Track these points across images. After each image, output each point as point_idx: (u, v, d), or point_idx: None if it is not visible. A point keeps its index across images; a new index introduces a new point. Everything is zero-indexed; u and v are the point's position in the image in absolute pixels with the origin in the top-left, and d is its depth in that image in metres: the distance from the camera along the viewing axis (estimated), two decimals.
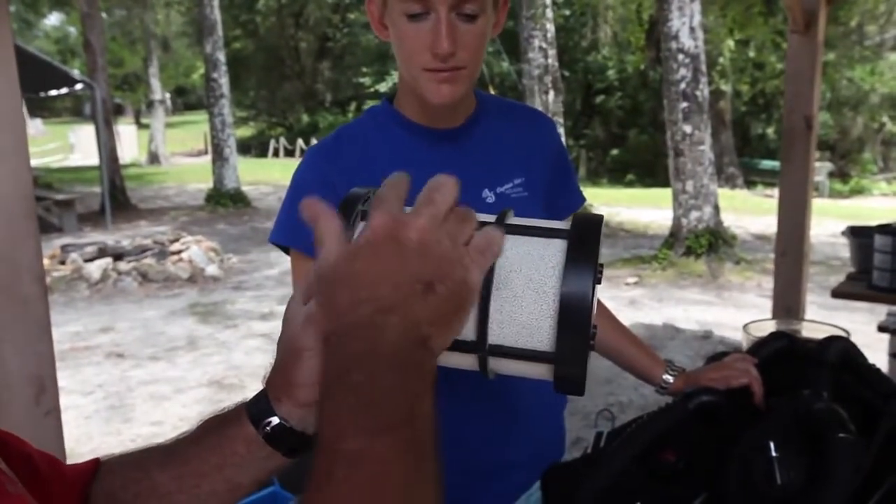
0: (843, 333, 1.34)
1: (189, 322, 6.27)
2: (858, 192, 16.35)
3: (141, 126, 28.74)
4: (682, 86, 8.04)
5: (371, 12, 1.06)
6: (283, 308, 0.61)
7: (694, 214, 8.18)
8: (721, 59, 15.70)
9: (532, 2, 9.96)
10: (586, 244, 0.52)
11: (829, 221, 9.52)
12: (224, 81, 13.50)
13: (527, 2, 10.01)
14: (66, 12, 25.68)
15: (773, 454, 0.93)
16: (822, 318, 2.83)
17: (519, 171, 1.15)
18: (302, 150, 20.87)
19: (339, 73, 25.41)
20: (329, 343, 0.48)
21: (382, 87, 19.59)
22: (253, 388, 0.61)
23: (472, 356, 0.53)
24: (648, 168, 17.75)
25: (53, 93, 13.19)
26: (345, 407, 0.43)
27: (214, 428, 0.60)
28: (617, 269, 7.82)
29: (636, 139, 19.21)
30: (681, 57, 8.02)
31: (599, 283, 0.53)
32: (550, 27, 10.37)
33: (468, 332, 0.52)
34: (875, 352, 1.71)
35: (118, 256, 7.82)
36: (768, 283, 5.92)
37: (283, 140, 23.65)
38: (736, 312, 6.07)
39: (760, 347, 1.23)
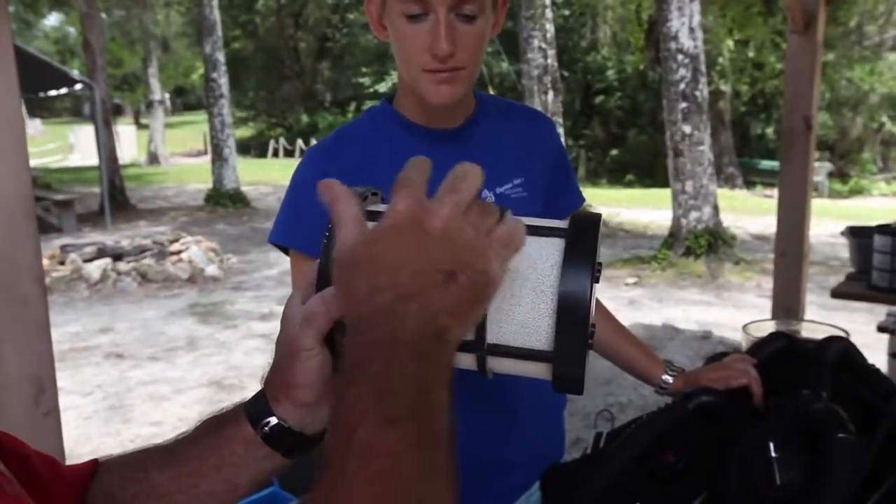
0: (842, 334, 1.34)
1: (188, 322, 6.27)
2: (858, 192, 16.36)
3: (140, 126, 28.74)
4: (682, 86, 8.04)
5: (370, 13, 1.06)
6: (282, 308, 0.61)
7: (693, 215, 8.18)
8: (720, 60, 15.72)
9: (531, 2, 9.97)
10: (584, 242, 0.51)
11: (828, 222, 9.52)
12: (223, 82, 13.50)
13: (526, 2, 10.01)
14: (66, 12, 25.67)
15: (773, 454, 0.93)
16: (822, 318, 2.83)
17: (518, 172, 1.15)
18: (301, 151, 20.87)
19: (339, 74, 25.42)
20: (350, 329, 0.47)
21: (382, 88, 19.60)
22: (252, 388, 0.61)
23: (470, 355, 0.53)
24: (648, 168, 17.75)
25: (53, 93, 13.19)
26: (363, 395, 0.43)
27: (213, 428, 0.60)
28: (616, 270, 7.82)
29: (635, 139, 19.21)
30: (680, 57, 8.03)
31: (598, 281, 0.53)
32: (550, 27, 10.37)
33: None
34: (874, 352, 1.71)
35: (117, 257, 7.82)
36: (768, 283, 5.92)
37: (282, 140, 23.65)
38: (735, 313, 6.07)
39: (760, 348, 1.23)
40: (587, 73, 19.70)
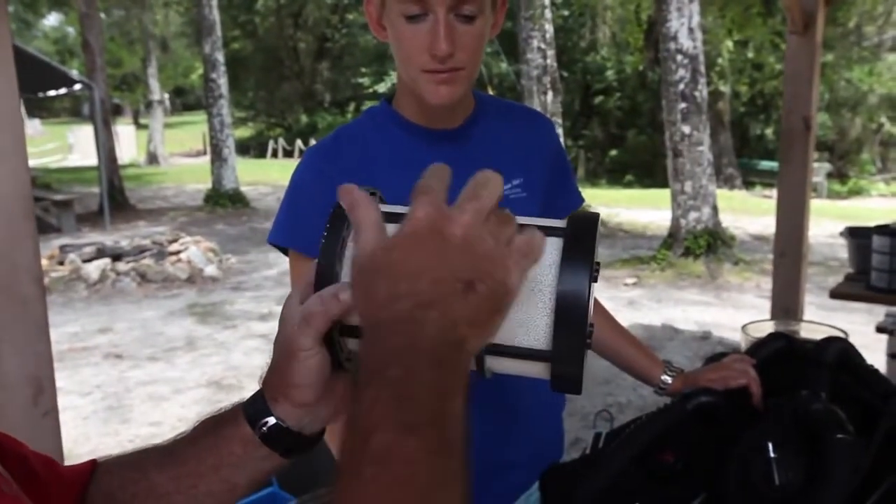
0: (841, 334, 1.34)
1: (187, 322, 6.27)
2: (857, 192, 16.38)
3: (139, 126, 28.73)
4: (681, 86, 8.05)
5: (369, 13, 1.06)
6: (280, 309, 0.61)
7: (692, 215, 8.18)
8: (720, 60, 15.73)
9: (531, 2, 9.97)
10: (582, 242, 0.51)
11: (827, 222, 9.53)
12: (223, 82, 13.50)
13: (525, 2, 10.02)
14: (65, 13, 25.68)
15: (772, 455, 0.93)
16: (821, 318, 2.84)
17: (518, 172, 1.15)
18: (301, 151, 20.86)
19: (338, 74, 25.42)
20: (368, 335, 0.47)
21: (381, 88, 19.61)
22: (251, 388, 0.61)
23: None
24: (647, 169, 17.76)
25: (52, 93, 13.17)
26: (380, 401, 0.42)
27: (211, 428, 0.60)
28: (616, 270, 7.82)
29: (635, 140, 19.22)
30: (679, 58, 8.03)
31: (596, 281, 0.53)
32: (549, 28, 10.38)
33: None
34: (873, 352, 1.71)
35: (116, 257, 7.82)
36: (767, 283, 5.93)
37: (281, 140, 23.64)
38: (734, 313, 6.08)
39: (759, 348, 1.23)
40: (586, 74, 19.71)
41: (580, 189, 1.31)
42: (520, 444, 1.16)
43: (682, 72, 8.04)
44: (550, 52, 10.34)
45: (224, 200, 13.32)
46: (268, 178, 16.84)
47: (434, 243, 0.46)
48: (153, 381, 4.86)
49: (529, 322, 0.52)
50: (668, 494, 1.01)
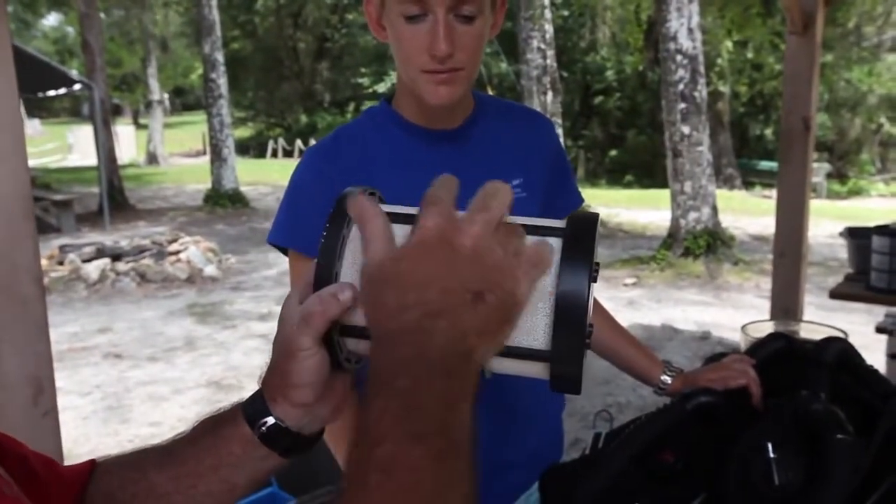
0: (841, 334, 1.34)
1: (187, 322, 6.27)
2: (856, 193, 16.38)
3: (139, 126, 28.73)
4: (681, 87, 8.05)
5: (369, 13, 1.06)
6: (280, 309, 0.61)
7: (692, 215, 8.18)
8: (719, 60, 15.73)
9: (530, 2, 9.97)
10: (582, 242, 0.51)
11: (827, 222, 9.53)
12: (222, 82, 13.50)
13: (525, 2, 10.02)
14: (65, 12, 25.68)
15: (772, 455, 0.93)
16: (820, 318, 2.84)
17: (517, 172, 1.15)
18: (300, 151, 20.86)
19: (338, 74, 25.42)
20: (377, 345, 0.47)
21: (381, 88, 19.61)
22: (251, 388, 0.61)
23: None
24: (647, 169, 17.76)
25: (52, 93, 13.17)
26: (389, 411, 0.43)
27: (210, 428, 0.60)
28: (615, 270, 7.82)
29: (634, 140, 19.23)
30: (679, 58, 8.03)
31: (595, 281, 0.53)
32: (549, 28, 10.38)
33: None
34: (873, 353, 1.71)
35: (116, 257, 7.82)
36: (766, 283, 5.93)
37: (281, 140, 23.64)
38: (734, 313, 6.08)
39: (758, 348, 1.23)
40: (586, 74, 19.71)
41: (580, 189, 1.31)
42: (519, 445, 1.16)
43: (681, 72, 8.05)
44: (550, 53, 10.35)
45: (224, 200, 13.32)
46: (267, 178, 16.84)
47: (443, 253, 0.46)
48: (153, 381, 4.86)
49: (529, 322, 0.52)
50: (667, 494, 1.01)
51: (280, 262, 7.70)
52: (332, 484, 2.22)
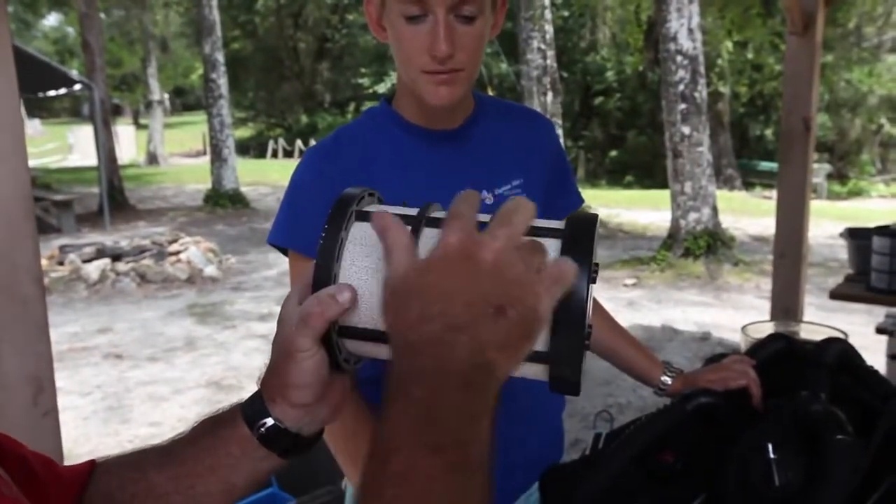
0: (841, 335, 1.34)
1: (187, 323, 6.27)
2: (857, 193, 16.38)
3: (139, 126, 28.73)
4: (681, 87, 8.05)
5: (369, 14, 1.06)
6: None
7: (692, 216, 8.18)
8: (719, 61, 15.73)
9: (531, 3, 9.97)
10: (580, 243, 0.51)
11: (827, 223, 9.53)
12: (223, 82, 13.50)
13: (525, 3, 10.02)
14: (65, 13, 25.68)
15: (772, 455, 0.93)
16: (821, 319, 2.84)
17: (517, 173, 1.15)
18: (301, 151, 20.86)
19: (338, 74, 25.42)
20: (397, 354, 0.48)
21: (381, 88, 19.61)
22: (251, 388, 0.61)
23: None
24: (647, 169, 17.76)
25: (52, 93, 13.17)
26: (405, 420, 0.43)
27: (209, 429, 0.60)
28: (615, 271, 7.82)
29: (635, 140, 19.23)
30: (679, 58, 8.03)
31: (594, 282, 0.53)
32: (549, 28, 10.38)
33: None
34: (873, 353, 1.71)
35: (116, 257, 7.82)
36: (766, 284, 5.93)
37: (281, 141, 23.64)
38: (734, 314, 6.08)
39: (759, 349, 1.23)
40: (586, 75, 19.71)
41: (580, 190, 1.31)
42: (519, 445, 1.16)
43: (681, 72, 8.05)
44: (550, 53, 10.35)
45: (224, 201, 13.32)
46: (268, 178, 16.84)
47: (466, 268, 0.47)
48: (153, 381, 4.86)
49: None
50: (667, 495, 1.01)
51: (280, 263, 7.70)
52: (332, 484, 2.21)
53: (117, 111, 27.96)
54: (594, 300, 0.68)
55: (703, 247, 8.00)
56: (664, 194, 9.68)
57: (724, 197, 11.12)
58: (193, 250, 8.13)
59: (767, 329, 1.56)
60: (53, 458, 0.61)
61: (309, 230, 0.72)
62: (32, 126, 28.04)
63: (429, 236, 0.53)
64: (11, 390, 1.46)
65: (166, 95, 30.80)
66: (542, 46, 10.20)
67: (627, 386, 4.21)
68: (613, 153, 19.88)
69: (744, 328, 1.58)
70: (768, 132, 18.58)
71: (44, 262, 6.96)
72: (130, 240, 8.55)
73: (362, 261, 0.55)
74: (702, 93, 8.16)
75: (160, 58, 24.78)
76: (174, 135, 27.54)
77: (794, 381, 1.08)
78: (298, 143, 22.09)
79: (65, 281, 7.37)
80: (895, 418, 0.99)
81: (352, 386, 0.62)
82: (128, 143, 23.92)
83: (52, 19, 32.02)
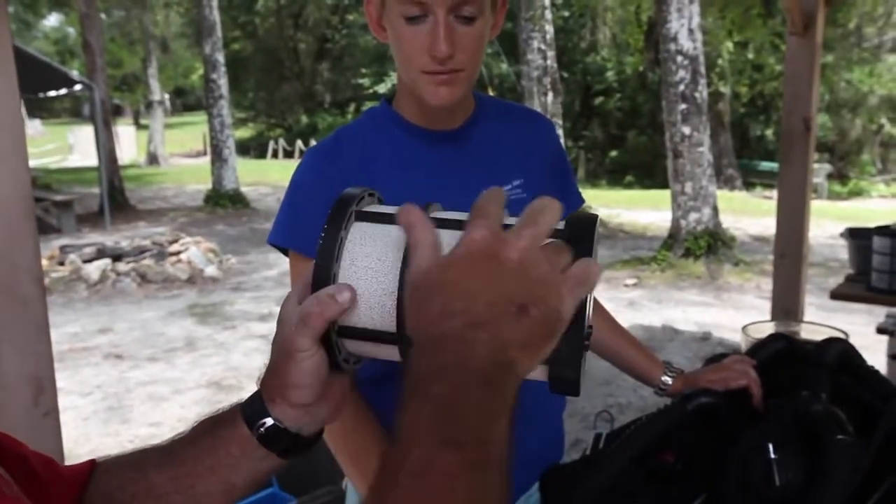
0: (841, 335, 1.34)
1: (188, 323, 6.27)
2: (857, 193, 16.38)
3: (140, 127, 28.74)
4: (681, 87, 8.05)
5: (369, 14, 1.06)
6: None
7: (693, 216, 8.18)
8: (720, 61, 15.73)
9: (531, 3, 9.97)
10: (581, 244, 0.51)
11: (827, 223, 9.53)
12: (223, 82, 13.50)
13: (526, 3, 10.02)
14: (65, 13, 25.69)
15: (772, 455, 0.93)
16: (821, 319, 2.84)
17: (518, 173, 1.15)
18: (301, 152, 20.87)
19: (338, 75, 25.43)
20: (417, 350, 0.47)
21: (381, 89, 19.60)
22: (251, 389, 0.61)
23: None
24: (647, 169, 17.76)
25: (52, 93, 13.18)
26: (424, 416, 0.43)
27: (209, 429, 0.60)
28: (616, 271, 7.82)
29: (635, 141, 19.23)
30: (679, 59, 8.03)
31: None
32: (549, 29, 10.38)
33: None
34: (874, 353, 1.71)
35: (117, 257, 7.82)
36: (767, 284, 5.93)
37: (281, 141, 23.65)
38: (735, 314, 6.07)
39: (759, 349, 1.23)
40: (587, 75, 19.71)
41: (580, 190, 1.31)
42: (519, 445, 1.16)
43: (682, 73, 8.04)
44: (551, 53, 10.34)
45: (224, 201, 13.32)
46: (268, 178, 16.84)
47: (489, 266, 0.47)
48: (153, 381, 4.86)
49: None
50: (668, 495, 1.01)
51: (280, 263, 7.70)
52: (333, 484, 2.22)
53: (118, 111, 27.96)
54: (594, 300, 0.68)
55: (703, 247, 8.00)
56: (664, 194, 9.68)
57: (724, 197, 11.12)
58: (194, 250, 8.13)
59: (768, 329, 1.56)
60: (54, 458, 0.61)
61: (309, 230, 0.72)
62: (33, 126, 28.05)
63: None
64: (12, 390, 1.46)
65: (167, 96, 30.81)
66: (543, 47, 10.19)
67: (628, 386, 4.21)
68: (614, 153, 19.88)
69: (744, 328, 1.58)
70: (769, 132, 18.57)
71: (44, 262, 6.96)
72: (131, 240, 8.55)
73: (362, 261, 0.55)
74: (702, 93, 8.16)
75: (160, 58, 24.79)
76: (174, 135, 27.55)
77: (794, 381, 1.08)
78: (299, 143, 22.10)
79: (65, 281, 7.37)
80: (895, 418, 0.99)
81: (351, 386, 0.62)
82: (128, 143, 23.93)
83: (52, 20, 32.08)
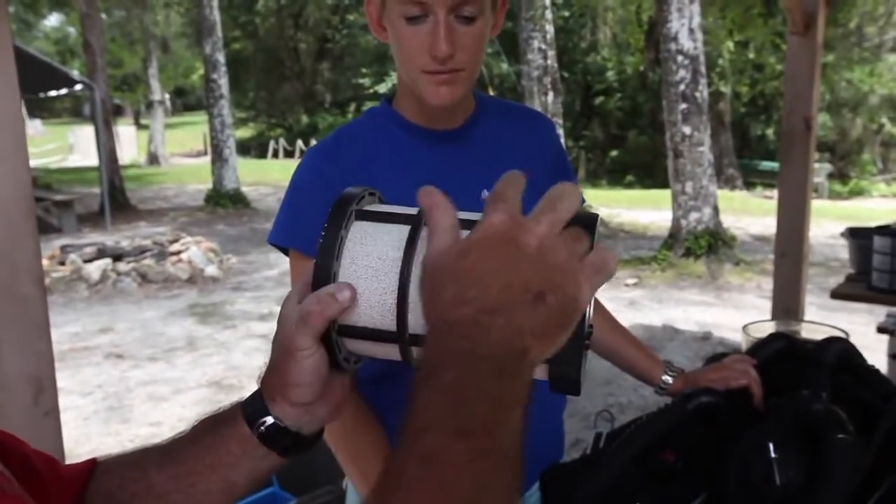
0: (842, 334, 1.34)
1: (188, 323, 6.27)
2: (857, 193, 16.38)
3: (140, 127, 28.75)
4: (682, 87, 8.05)
5: (370, 14, 1.06)
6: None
7: (693, 215, 8.18)
8: (720, 61, 15.72)
9: (531, 3, 9.97)
10: None
11: (828, 223, 9.53)
12: (223, 82, 13.50)
13: (526, 3, 10.01)
14: (66, 13, 25.68)
15: (773, 455, 0.93)
16: (822, 319, 2.84)
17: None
18: (301, 151, 20.86)
19: (339, 74, 25.43)
20: (430, 336, 0.47)
21: (381, 88, 19.60)
22: (252, 388, 0.61)
23: None
24: (648, 169, 17.76)
25: (53, 93, 13.19)
26: (434, 402, 0.42)
27: (210, 428, 0.60)
28: (616, 271, 7.82)
29: (635, 140, 19.23)
30: (680, 58, 8.03)
31: None
32: (550, 28, 10.37)
33: None
34: (874, 353, 1.71)
35: (117, 257, 7.82)
36: (767, 284, 5.92)
37: (282, 141, 23.65)
38: (735, 313, 6.07)
39: (760, 348, 1.23)
40: (587, 75, 19.71)
41: (581, 190, 1.31)
42: None
43: (682, 72, 8.04)
44: (551, 53, 10.34)
45: (225, 201, 13.32)
46: (268, 178, 16.84)
47: (507, 251, 0.46)
48: (154, 381, 4.86)
49: None
50: (668, 494, 1.01)
51: (281, 263, 7.70)
52: (333, 484, 2.21)
53: (118, 111, 27.96)
54: (595, 300, 0.68)
55: (704, 246, 8.00)
56: (665, 194, 9.68)
57: (725, 196, 11.12)
58: (194, 250, 8.13)
59: (768, 328, 1.56)
60: (54, 457, 0.61)
61: (309, 230, 0.72)
62: (33, 126, 28.06)
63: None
64: (12, 390, 1.46)
65: (167, 96, 30.81)
66: (543, 46, 10.19)
67: (628, 385, 4.21)
68: (614, 153, 19.88)
69: (745, 327, 1.58)
70: (769, 132, 18.57)
71: (45, 262, 6.97)
72: (131, 240, 8.55)
73: (362, 259, 0.55)
74: (703, 93, 8.16)
75: (161, 58, 24.79)
76: (175, 135, 27.56)
77: (795, 381, 1.08)
78: (299, 143, 22.10)
79: (66, 281, 7.38)
80: None
81: (352, 385, 0.62)
82: (129, 143, 23.93)
83: (53, 20, 32.09)
